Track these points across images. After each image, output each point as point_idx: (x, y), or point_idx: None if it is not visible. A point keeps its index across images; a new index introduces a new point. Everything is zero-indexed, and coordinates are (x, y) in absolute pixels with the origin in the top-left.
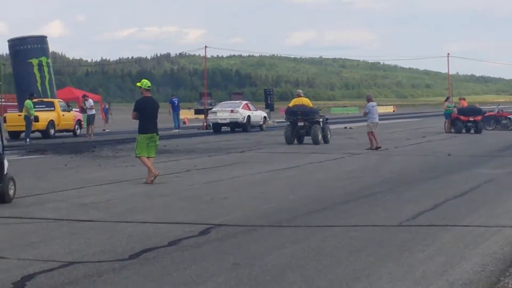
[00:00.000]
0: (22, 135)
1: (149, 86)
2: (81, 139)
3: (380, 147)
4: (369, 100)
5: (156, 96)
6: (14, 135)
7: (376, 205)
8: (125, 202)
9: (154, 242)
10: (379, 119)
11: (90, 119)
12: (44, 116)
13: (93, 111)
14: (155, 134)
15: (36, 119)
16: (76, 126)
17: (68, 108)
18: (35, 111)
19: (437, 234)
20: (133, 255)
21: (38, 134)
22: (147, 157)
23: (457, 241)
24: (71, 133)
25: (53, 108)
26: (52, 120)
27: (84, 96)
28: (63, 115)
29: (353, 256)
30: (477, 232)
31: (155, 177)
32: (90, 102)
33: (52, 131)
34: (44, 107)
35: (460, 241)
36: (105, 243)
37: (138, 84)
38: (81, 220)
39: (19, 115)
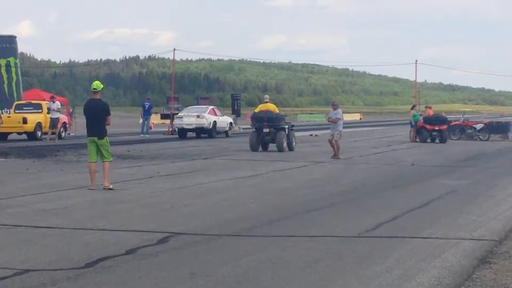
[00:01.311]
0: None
1: (94, 88)
2: (44, 143)
3: (339, 158)
4: (336, 106)
5: (123, 100)
6: (2, 136)
7: (337, 215)
8: (85, 209)
9: (111, 251)
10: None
11: (54, 122)
12: (32, 118)
13: (58, 114)
14: (97, 137)
15: (25, 120)
16: (62, 129)
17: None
18: (23, 112)
19: (396, 245)
20: (90, 263)
21: (24, 136)
22: (103, 161)
23: (416, 253)
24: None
25: (40, 110)
26: (39, 122)
27: (51, 97)
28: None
29: (310, 267)
30: (436, 244)
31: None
32: (58, 104)
33: (39, 133)
34: (32, 109)
35: (418, 253)
36: (61, 250)
37: None
38: (39, 227)
39: (8, 117)
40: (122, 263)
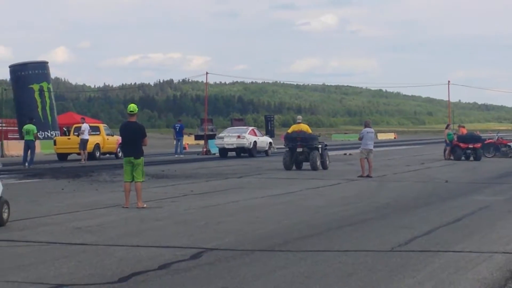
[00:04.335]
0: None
1: (131, 111)
2: (80, 163)
3: (371, 177)
4: (366, 125)
5: (158, 122)
6: (63, 157)
7: (370, 231)
8: (119, 226)
9: (144, 266)
10: (376, 146)
11: (84, 143)
12: (91, 140)
13: (86, 136)
14: (133, 157)
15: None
16: (118, 149)
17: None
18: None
19: (428, 259)
20: (122, 278)
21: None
22: (135, 182)
23: (448, 267)
24: (114, 156)
25: (98, 132)
26: (98, 143)
27: (82, 118)
28: (107, 139)
29: (342, 281)
30: (469, 258)
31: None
32: (85, 126)
33: (97, 154)
34: (90, 131)
35: (451, 266)
36: (95, 266)
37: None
38: (73, 244)
39: (69, 139)
40: (155, 278)
